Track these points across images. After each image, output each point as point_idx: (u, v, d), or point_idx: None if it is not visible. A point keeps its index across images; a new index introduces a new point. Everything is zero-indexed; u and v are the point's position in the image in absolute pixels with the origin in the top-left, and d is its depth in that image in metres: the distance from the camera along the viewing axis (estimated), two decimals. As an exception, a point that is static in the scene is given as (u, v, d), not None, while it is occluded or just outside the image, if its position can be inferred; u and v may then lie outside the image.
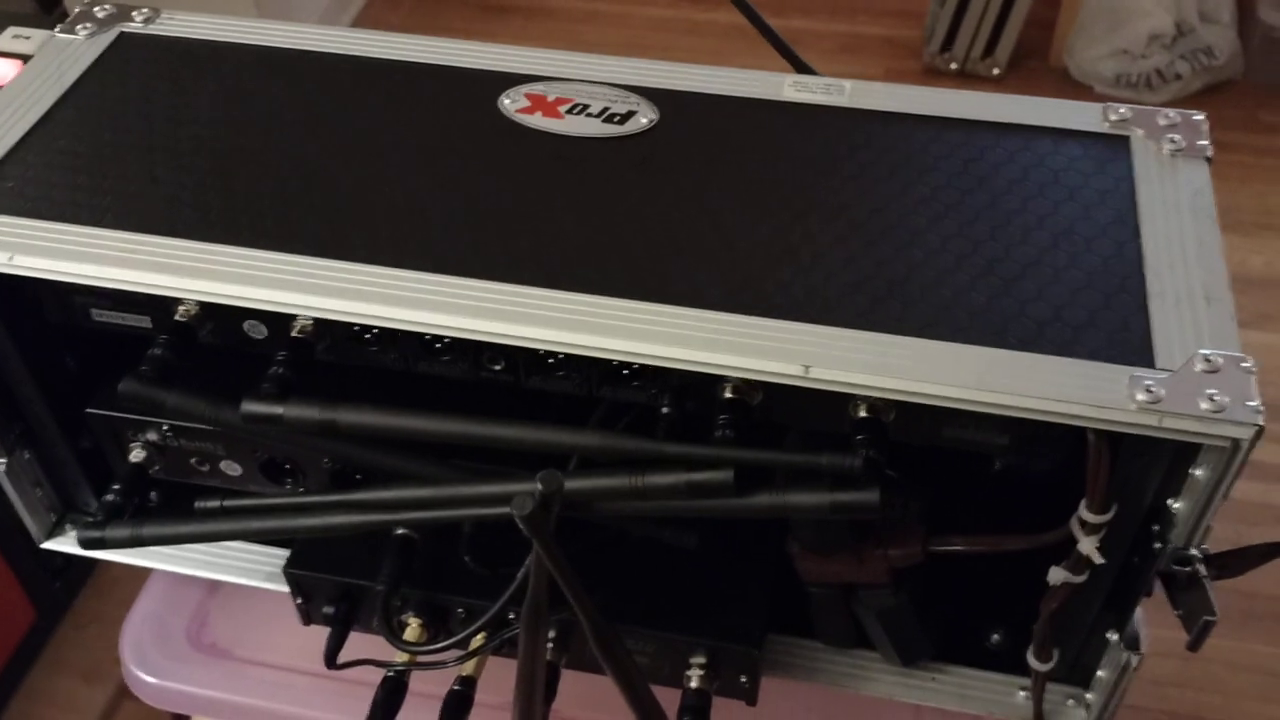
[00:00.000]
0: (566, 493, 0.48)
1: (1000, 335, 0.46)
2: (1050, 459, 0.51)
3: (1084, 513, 0.48)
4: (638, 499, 0.48)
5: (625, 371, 0.50)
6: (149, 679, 0.66)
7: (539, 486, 0.36)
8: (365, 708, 0.56)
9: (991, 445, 0.49)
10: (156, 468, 0.60)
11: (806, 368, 0.45)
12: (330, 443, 0.52)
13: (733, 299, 0.48)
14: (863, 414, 0.47)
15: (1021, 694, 0.57)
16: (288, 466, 0.59)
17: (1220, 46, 1.96)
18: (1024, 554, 0.53)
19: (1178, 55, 1.95)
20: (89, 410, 0.59)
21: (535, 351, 0.50)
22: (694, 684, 0.56)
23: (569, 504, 0.49)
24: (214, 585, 0.69)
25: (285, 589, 0.60)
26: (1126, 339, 0.47)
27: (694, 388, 0.49)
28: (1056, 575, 0.51)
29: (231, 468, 0.59)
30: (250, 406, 0.49)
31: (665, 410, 0.49)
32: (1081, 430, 0.46)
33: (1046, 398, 0.44)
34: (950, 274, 0.49)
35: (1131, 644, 0.53)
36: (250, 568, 0.63)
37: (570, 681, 0.58)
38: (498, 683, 0.58)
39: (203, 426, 0.57)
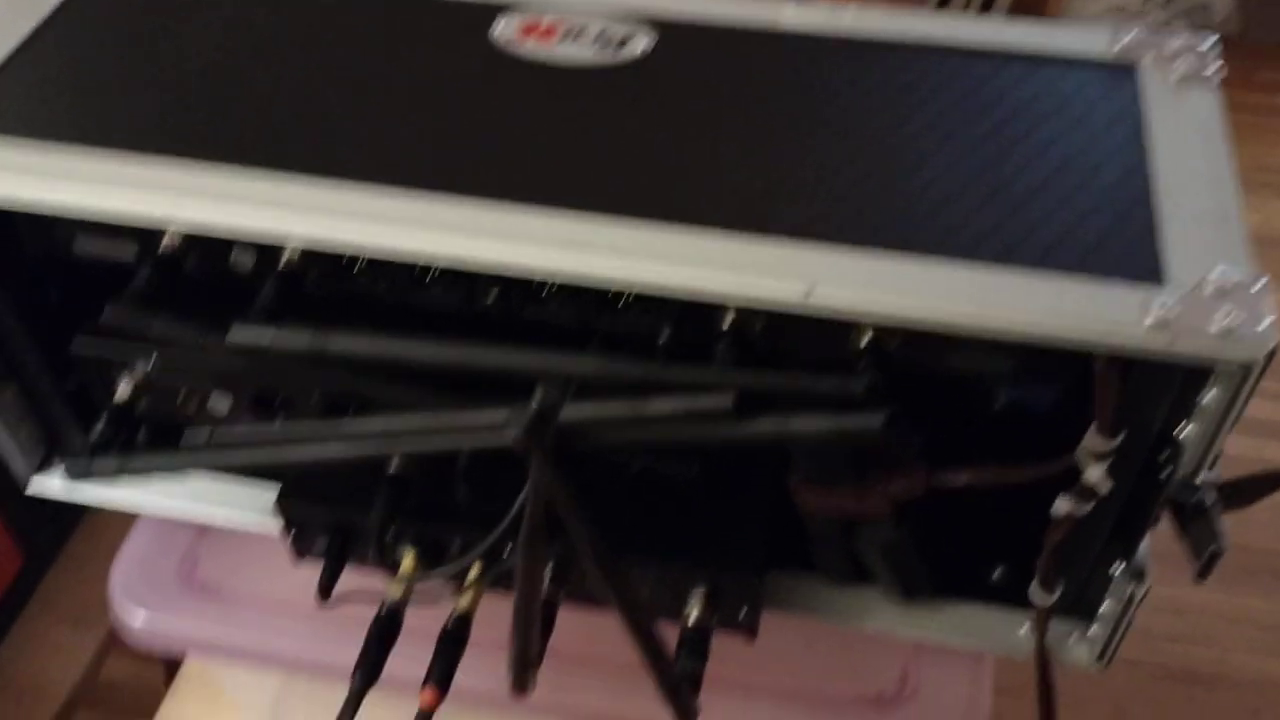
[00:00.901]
0: (563, 423, 0.47)
1: (1008, 257, 0.45)
2: (1056, 390, 0.50)
3: (1091, 440, 0.48)
4: (636, 427, 0.47)
5: (622, 302, 0.49)
6: (138, 620, 0.65)
7: (534, 403, 0.35)
8: (359, 646, 0.56)
9: (998, 374, 0.48)
10: (144, 404, 0.59)
11: (809, 290, 0.44)
12: (320, 373, 0.51)
13: (733, 220, 0.46)
14: (866, 340, 0.46)
15: (1024, 629, 0.57)
16: (278, 400, 0.57)
17: (1216, 5, 1.94)
18: (1028, 487, 0.52)
19: (1174, 14, 1.93)
20: (75, 342, 0.57)
21: (529, 281, 0.49)
22: (693, 617, 0.55)
23: (566, 435, 0.48)
24: (204, 526, 0.68)
25: (275, 529, 0.59)
26: (1137, 260, 0.45)
27: (694, 315, 0.48)
28: (1061, 506, 0.50)
29: (221, 403, 0.58)
30: (238, 334, 0.48)
31: (664, 338, 0.48)
32: (1087, 360, 0.45)
33: (1055, 318, 0.43)
34: (957, 197, 0.48)
35: (1138, 575, 0.52)
36: (241, 508, 0.62)
37: (569, 617, 0.57)
38: (495, 619, 0.57)
39: (190, 362, 0.55)
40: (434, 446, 0.50)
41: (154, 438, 0.62)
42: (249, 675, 0.74)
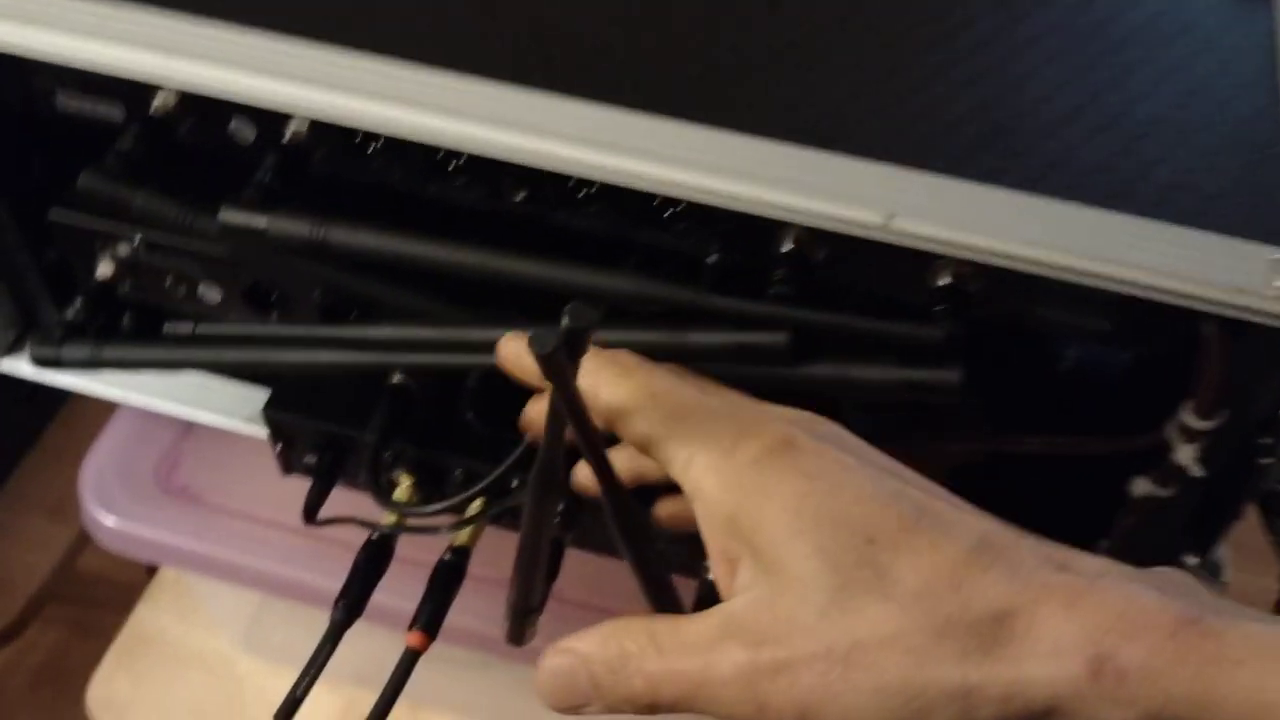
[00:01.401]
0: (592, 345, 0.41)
1: (1117, 199, 0.39)
2: (1148, 355, 0.44)
3: (1186, 417, 0.42)
4: (675, 359, 0.41)
5: (668, 212, 0.43)
6: (111, 521, 0.60)
7: (565, 321, 0.29)
8: (346, 571, 0.51)
9: (1086, 330, 0.42)
10: (127, 286, 0.53)
11: (889, 217, 0.38)
12: (320, 268, 0.45)
13: (805, 131, 0.40)
14: (945, 280, 0.40)
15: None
16: (274, 296, 0.52)
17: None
18: (1099, 461, 0.46)
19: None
20: (51, 214, 0.52)
21: (564, 179, 0.43)
22: (711, 576, 0.50)
23: (593, 359, 0.42)
24: (188, 426, 0.63)
25: (264, 435, 0.54)
26: (1265, 214, 0.39)
27: (748, 235, 0.42)
28: (1141, 487, 0.45)
29: (211, 292, 0.52)
30: (230, 215, 0.42)
31: (712, 260, 0.42)
32: (1191, 324, 0.39)
33: (1167, 274, 0.37)
34: (1063, 125, 0.41)
35: (1214, 571, 0.47)
36: (229, 408, 0.57)
37: (577, 563, 0.52)
38: (494, 556, 0.52)
39: (178, 242, 0.50)
40: (443, 363, 0.44)
41: (138, 326, 0.57)
42: (228, 588, 0.69)
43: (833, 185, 0.38)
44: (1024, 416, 0.48)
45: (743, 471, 0.32)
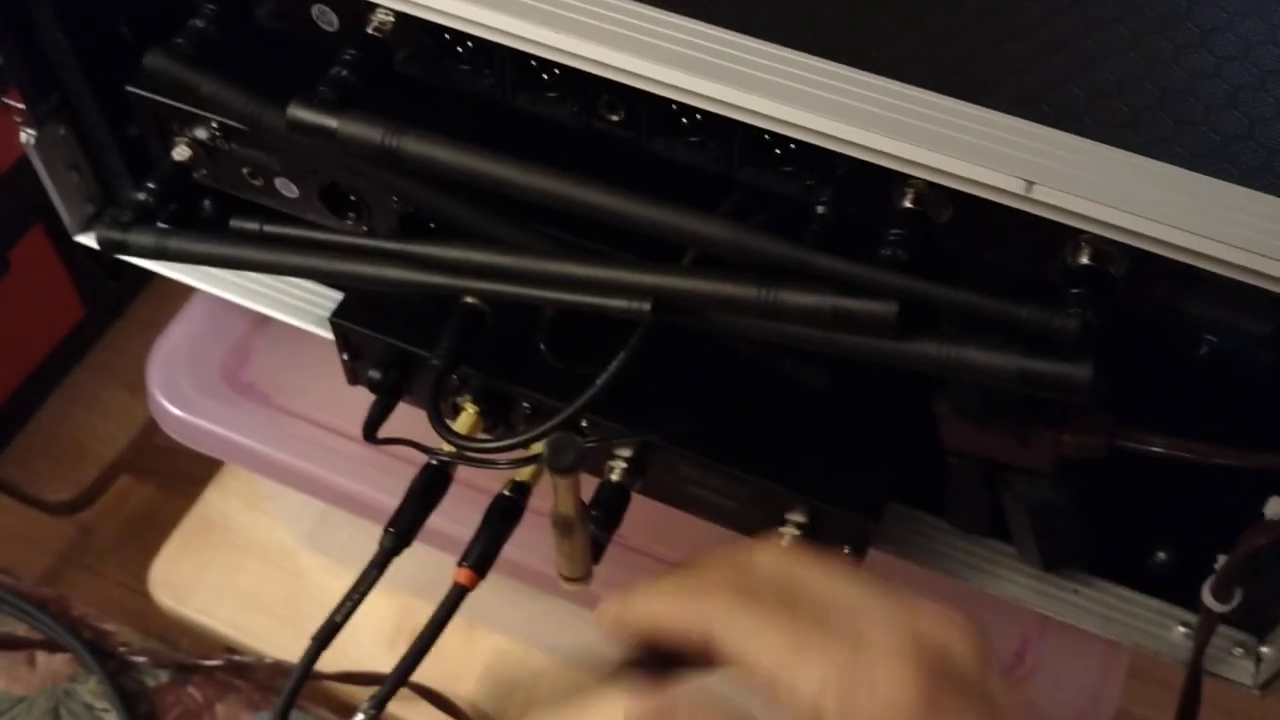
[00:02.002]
0: (676, 293, 0.38)
1: (1307, 187, 0.33)
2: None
3: (1344, 438, 0.36)
4: (765, 317, 0.37)
5: (779, 150, 0.38)
6: (175, 410, 0.58)
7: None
8: (405, 488, 0.48)
9: (1243, 331, 0.37)
10: (203, 171, 0.51)
11: (1029, 183, 0.33)
12: (393, 177, 0.41)
13: (941, 77, 0.35)
14: (1085, 260, 0.35)
15: (1180, 629, 0.47)
16: (352, 199, 0.49)
17: None
18: (1232, 472, 0.41)
19: None
20: (129, 88, 0.49)
21: (667, 103, 0.38)
22: (785, 542, 0.46)
23: (676, 308, 0.38)
24: (261, 321, 0.61)
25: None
26: None
27: (865, 186, 0.37)
28: (1277, 508, 0.40)
29: (288, 187, 0.50)
30: (298, 112, 0.39)
31: (821, 209, 0.37)
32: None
33: (1354, 283, 0.32)
34: (1250, 92, 0.36)
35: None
36: (303, 308, 0.55)
37: (642, 511, 0.48)
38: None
39: (249, 134, 0.47)
40: (519, 295, 0.41)
41: (219, 213, 0.54)
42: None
43: (968, 141, 0.33)
44: (1151, 415, 0.43)
45: None
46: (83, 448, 0.79)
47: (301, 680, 0.43)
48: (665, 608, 0.35)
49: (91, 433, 0.79)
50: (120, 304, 0.83)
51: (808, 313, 0.36)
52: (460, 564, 0.46)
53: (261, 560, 0.73)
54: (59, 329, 0.79)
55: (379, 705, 0.42)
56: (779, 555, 0.36)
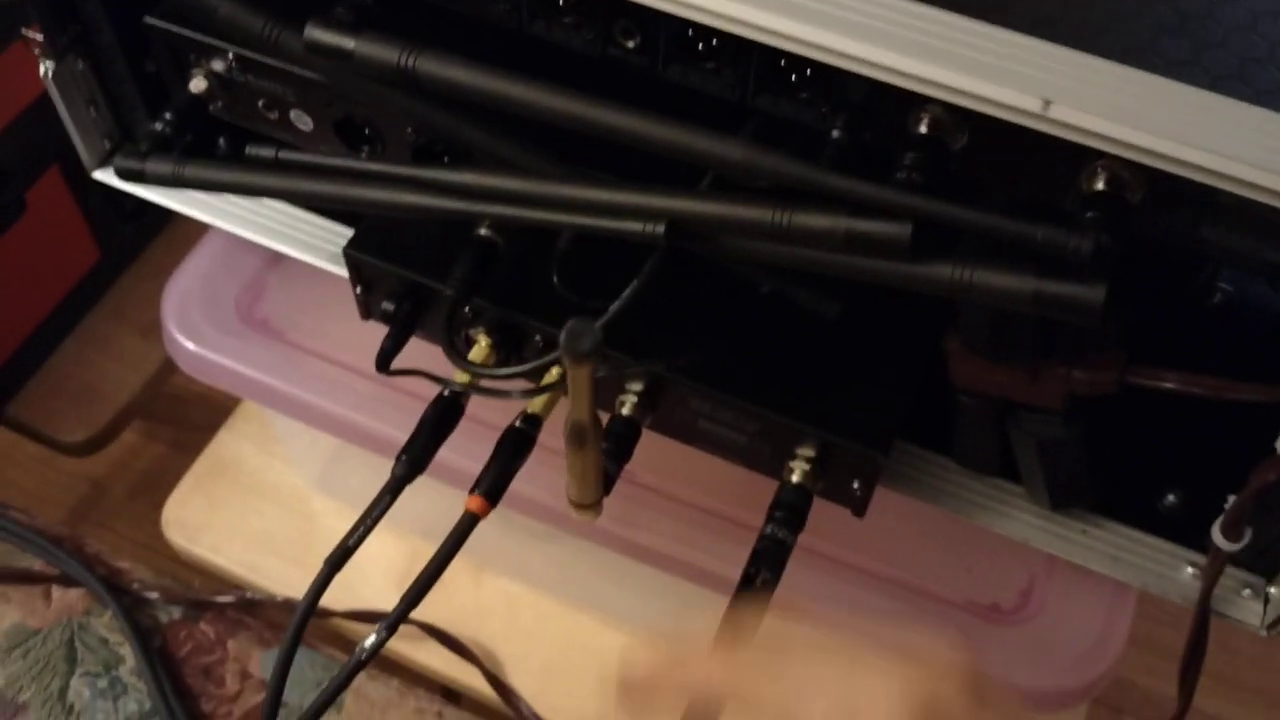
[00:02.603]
0: (691, 216, 0.38)
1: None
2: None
3: (1360, 371, 0.36)
4: (778, 240, 0.37)
5: (795, 76, 0.38)
6: (190, 346, 0.59)
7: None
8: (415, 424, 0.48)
9: (1264, 261, 0.37)
10: (219, 104, 0.51)
11: (1046, 102, 0.33)
12: (410, 101, 0.41)
13: (961, -3, 0.35)
14: (1101, 186, 0.35)
15: (1189, 570, 0.47)
16: (366, 131, 0.49)
17: None
18: (1245, 408, 0.41)
19: None
20: (146, 20, 0.49)
21: (683, 28, 0.38)
22: (795, 479, 0.46)
23: (690, 232, 0.38)
24: (274, 258, 0.61)
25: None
26: None
27: (881, 111, 0.37)
28: (1291, 444, 0.40)
29: (302, 120, 0.50)
30: (316, 32, 0.39)
31: (836, 134, 0.37)
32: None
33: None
34: (1271, 17, 0.35)
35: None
36: (316, 244, 0.55)
37: (652, 447, 0.49)
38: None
39: (271, 61, 0.47)
40: (532, 218, 0.41)
41: (234, 148, 0.54)
42: (306, 427, 0.68)
43: (986, 61, 0.33)
44: (1164, 350, 0.43)
45: None
46: (96, 391, 0.79)
47: (315, 600, 0.43)
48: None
49: (105, 376, 0.80)
50: (134, 249, 0.83)
51: (821, 235, 0.36)
52: (472, 492, 0.46)
53: (273, 502, 0.74)
54: (74, 272, 0.80)
55: (391, 628, 0.43)
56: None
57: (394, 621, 0.43)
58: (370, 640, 0.43)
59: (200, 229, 0.64)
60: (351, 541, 0.44)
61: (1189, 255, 0.51)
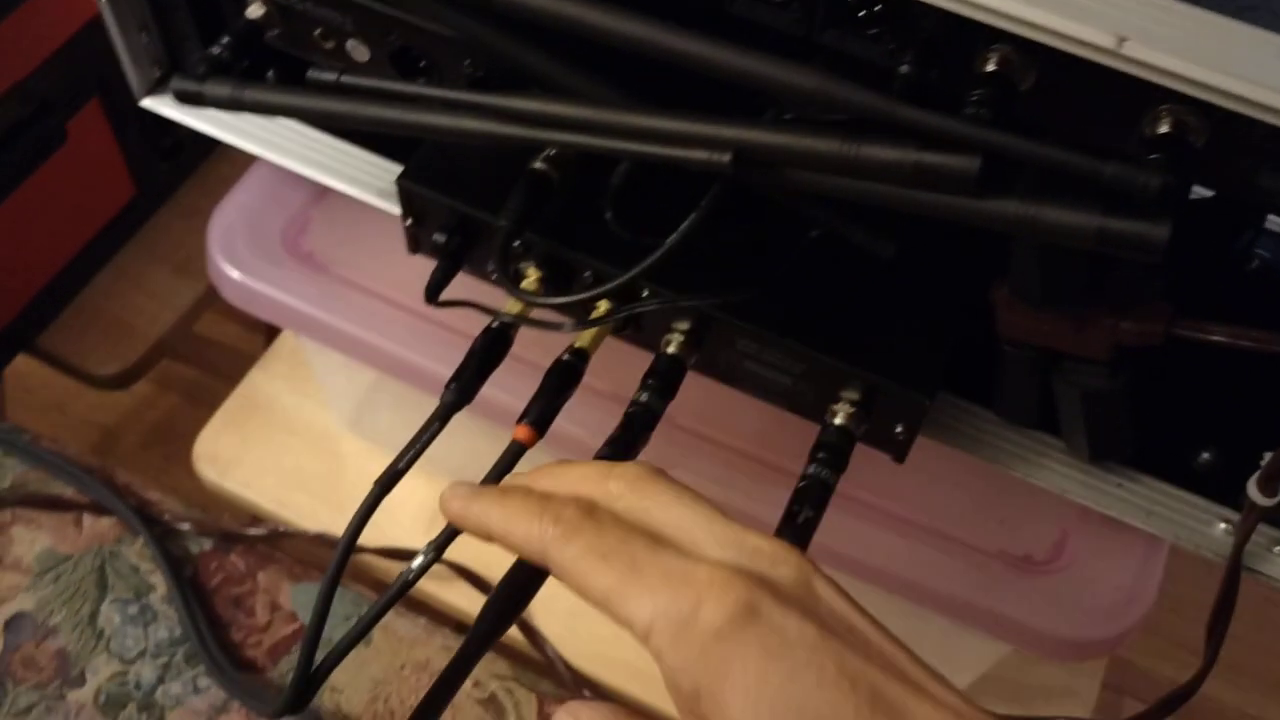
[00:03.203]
0: (756, 147, 0.38)
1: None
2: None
3: None
4: (844, 173, 0.37)
5: (863, 11, 0.38)
6: (235, 274, 0.59)
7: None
8: (461, 358, 0.49)
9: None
10: (276, 31, 0.51)
11: (1120, 39, 0.33)
12: (472, 23, 0.42)
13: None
14: (1165, 129, 0.35)
15: (1222, 526, 0.48)
16: (422, 63, 0.49)
17: None
18: (1276, 366, 0.42)
19: None
20: (206, -59, 0.49)
21: (754, -39, 0.38)
22: (838, 421, 0.47)
23: (754, 162, 0.39)
24: (320, 192, 0.61)
25: (396, 210, 0.52)
26: None
27: (949, 47, 0.37)
28: (1335, 397, 0.40)
29: (359, 51, 0.50)
30: (389, -49, 0.39)
31: (904, 70, 0.38)
32: None
33: None
34: (1341, -34, 0.36)
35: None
36: (362, 178, 0.55)
37: (694, 389, 0.49)
38: (610, 370, 0.50)
39: (330, -12, 0.47)
40: (595, 146, 0.41)
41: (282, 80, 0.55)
42: (342, 366, 0.69)
43: (1060, -4, 0.34)
44: (1201, 312, 0.43)
45: (705, 645, 0.30)
46: (128, 325, 0.80)
47: (365, 517, 0.44)
48: (504, 519, 0.35)
49: (138, 311, 0.80)
50: (170, 188, 0.84)
51: (889, 167, 0.36)
52: (519, 421, 0.46)
53: (304, 440, 0.74)
54: (110, 207, 0.80)
55: (440, 548, 0.43)
56: (627, 479, 0.35)
57: (442, 542, 0.43)
58: (418, 561, 0.43)
59: (238, 169, 0.65)
60: (402, 464, 0.45)
61: (1236, 215, 0.52)
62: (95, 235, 0.79)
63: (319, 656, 0.44)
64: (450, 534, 0.44)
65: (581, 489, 0.35)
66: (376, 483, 0.44)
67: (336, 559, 0.44)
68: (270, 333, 0.83)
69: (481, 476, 0.46)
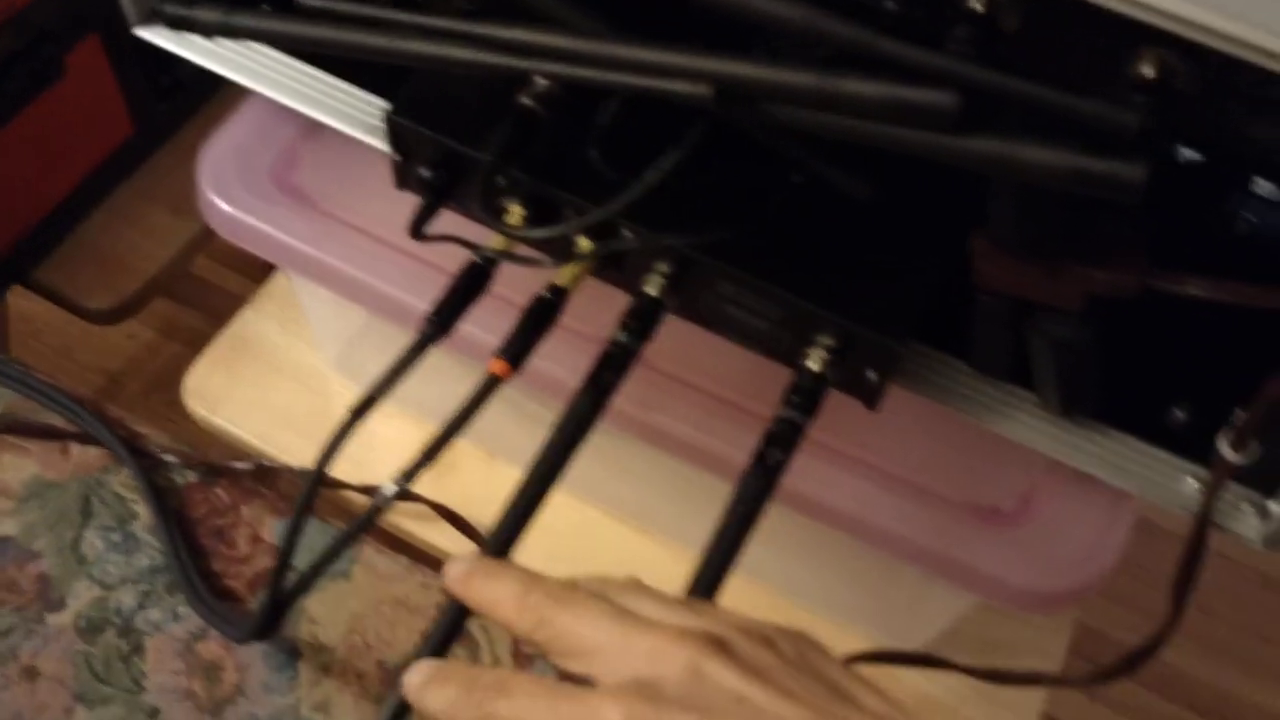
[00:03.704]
0: (741, 80, 0.38)
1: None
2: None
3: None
4: (824, 108, 0.38)
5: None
6: (225, 207, 0.59)
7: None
8: (446, 296, 0.49)
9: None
10: (270, -38, 0.51)
11: (1102, -24, 0.33)
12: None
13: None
14: (1150, 73, 0.35)
15: (1192, 482, 0.48)
16: (416, -3, 0.49)
17: None
18: (1254, 319, 0.42)
19: None
20: None
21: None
22: (812, 365, 0.47)
23: (735, 96, 0.39)
24: (310, 128, 0.62)
25: (385, 147, 0.52)
26: None
27: (933, -13, 0.37)
28: (1306, 353, 0.41)
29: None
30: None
31: (890, 5, 0.38)
32: None
33: None
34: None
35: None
36: (352, 113, 0.55)
37: (676, 332, 0.50)
38: (595, 315, 0.50)
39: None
40: (585, 77, 0.41)
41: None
42: (332, 306, 0.69)
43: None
44: (1194, 268, 0.43)
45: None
46: (123, 262, 0.80)
47: (337, 443, 0.44)
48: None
49: (133, 249, 0.80)
50: (169, 129, 0.84)
51: (869, 102, 0.36)
52: (495, 356, 0.47)
53: (292, 380, 0.75)
54: (107, 144, 0.80)
55: (409, 476, 0.44)
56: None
57: (411, 471, 0.44)
58: (389, 487, 0.44)
59: (234, 109, 0.65)
60: (375, 392, 0.46)
61: (1222, 178, 0.52)
62: (92, 171, 0.80)
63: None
64: (418, 465, 0.45)
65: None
66: (349, 409, 0.45)
67: (309, 483, 0.44)
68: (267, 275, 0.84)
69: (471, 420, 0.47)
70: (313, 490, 0.44)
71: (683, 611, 0.36)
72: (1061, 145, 0.35)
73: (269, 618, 0.46)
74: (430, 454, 0.45)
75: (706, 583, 0.42)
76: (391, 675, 0.60)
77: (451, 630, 0.40)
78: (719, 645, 0.33)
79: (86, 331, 0.78)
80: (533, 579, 0.37)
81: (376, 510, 0.44)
